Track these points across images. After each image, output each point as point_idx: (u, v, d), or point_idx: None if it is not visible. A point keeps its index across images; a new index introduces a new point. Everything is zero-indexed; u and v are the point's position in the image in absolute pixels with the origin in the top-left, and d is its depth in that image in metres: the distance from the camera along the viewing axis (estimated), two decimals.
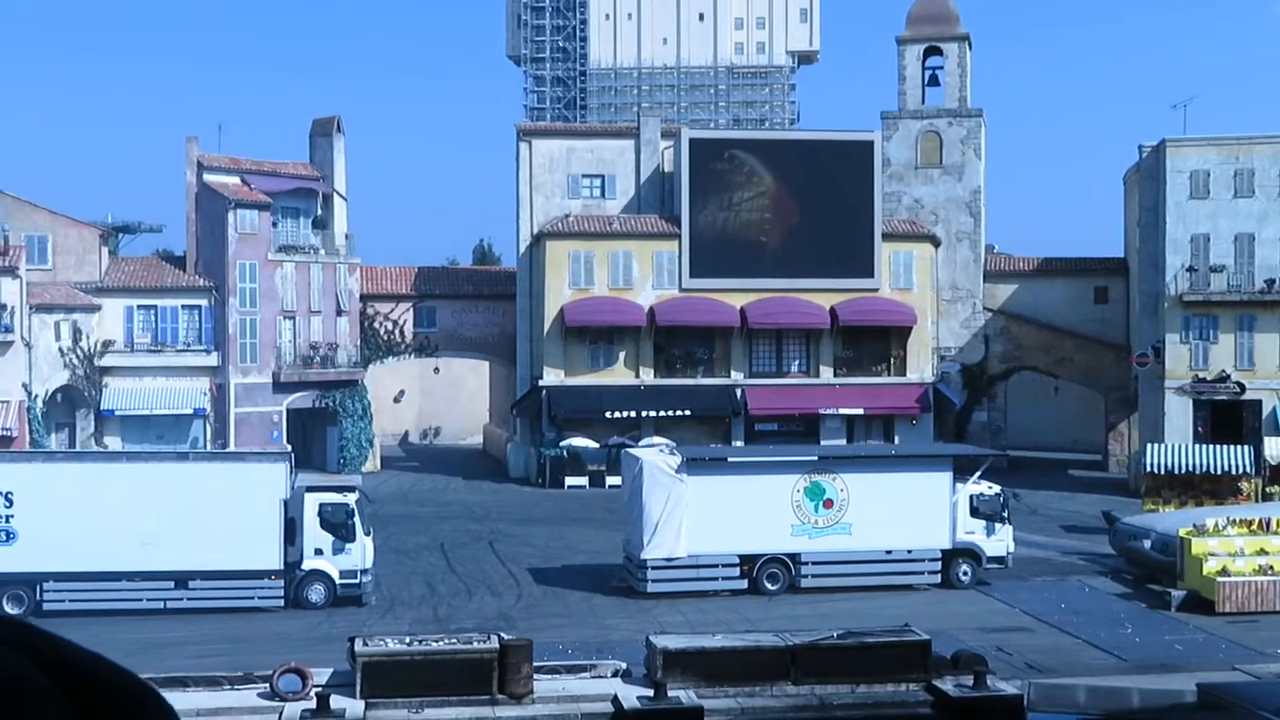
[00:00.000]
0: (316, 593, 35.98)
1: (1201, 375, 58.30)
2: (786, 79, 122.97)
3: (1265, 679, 27.26)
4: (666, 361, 63.83)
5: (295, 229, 66.16)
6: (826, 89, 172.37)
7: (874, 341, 64.83)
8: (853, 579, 37.92)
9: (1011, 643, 31.73)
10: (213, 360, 62.85)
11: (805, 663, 27.01)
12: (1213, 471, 51.68)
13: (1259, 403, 57.76)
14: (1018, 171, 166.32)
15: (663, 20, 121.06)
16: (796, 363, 64.83)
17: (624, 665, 27.70)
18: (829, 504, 37.96)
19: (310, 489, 37.31)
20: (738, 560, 37.61)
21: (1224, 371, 58.03)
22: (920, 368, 65.03)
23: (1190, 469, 51.69)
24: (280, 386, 64.02)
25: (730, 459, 41.38)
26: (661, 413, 62.20)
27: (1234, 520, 39.22)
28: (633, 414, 62.18)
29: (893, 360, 65.03)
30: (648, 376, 63.24)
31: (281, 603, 35.58)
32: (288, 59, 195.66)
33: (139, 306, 62.95)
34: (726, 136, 71.31)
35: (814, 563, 37.88)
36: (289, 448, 55.40)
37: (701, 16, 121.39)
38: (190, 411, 61.86)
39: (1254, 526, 38.62)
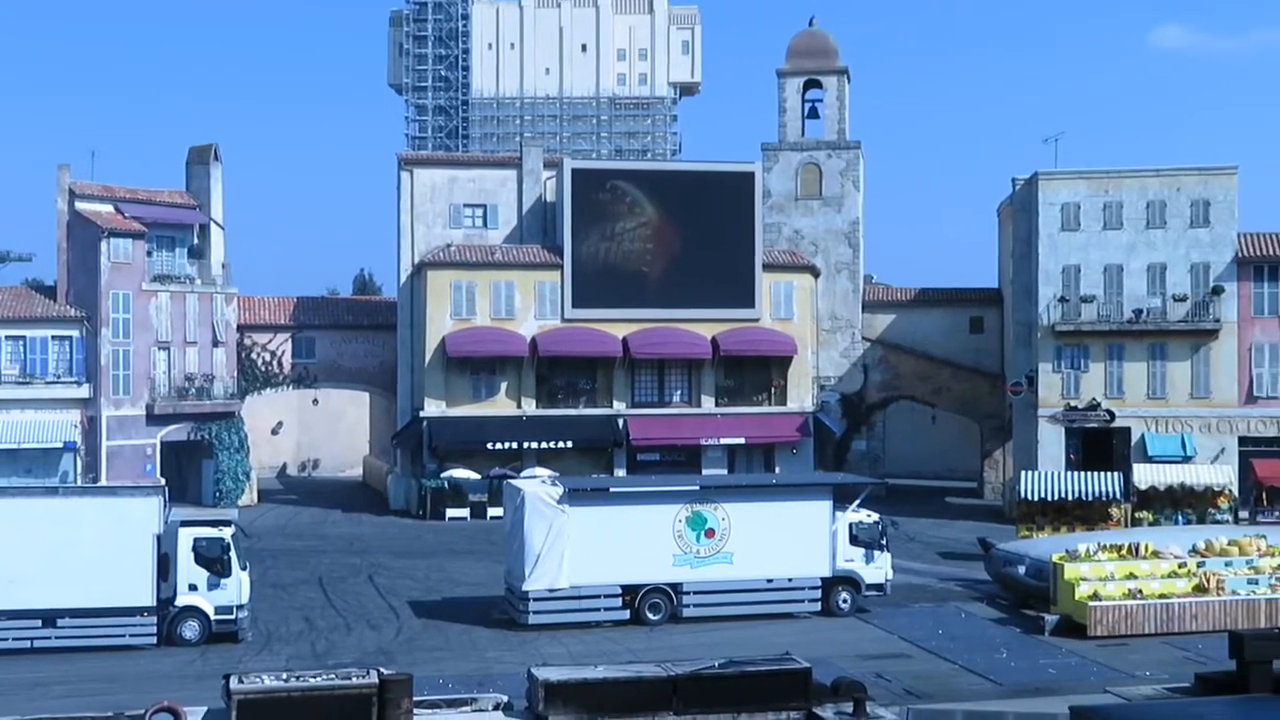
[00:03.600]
0: (191, 629, 35.29)
1: (1073, 404, 59.62)
2: (668, 110, 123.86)
3: (1135, 701, 27.80)
4: (549, 392, 63.76)
5: (171, 258, 65.09)
6: (708, 120, 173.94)
7: (755, 371, 65.38)
8: (734, 608, 38.09)
9: (890, 669, 32.08)
10: (84, 392, 61.50)
11: (687, 693, 26.98)
12: (1084, 498, 52.90)
13: (1128, 430, 59.21)
14: (896, 203, 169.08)
15: (545, 50, 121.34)
16: (678, 393, 65.14)
17: (505, 698, 27.42)
18: (710, 533, 38.12)
19: (185, 523, 36.58)
20: (620, 591, 37.61)
21: (1094, 400, 59.41)
22: (800, 397, 65.68)
23: (1063, 496, 52.85)
24: (154, 419, 62.82)
25: (612, 489, 41.40)
26: (544, 443, 62.09)
27: (1104, 545, 40.09)
28: (515, 445, 61.98)
29: (773, 390, 65.61)
30: (530, 407, 63.11)
31: (154, 640, 34.82)
32: (164, 85, 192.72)
33: (7, 337, 61.40)
34: (609, 167, 71.61)
35: (696, 592, 38.00)
36: (163, 481, 54.36)
37: (584, 47, 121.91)
38: (60, 445, 60.43)
39: (1124, 551, 39.51)
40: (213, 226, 66.88)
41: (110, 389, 61.58)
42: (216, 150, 68.17)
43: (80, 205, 62.75)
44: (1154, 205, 59.52)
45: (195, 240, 66.04)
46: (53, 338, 61.90)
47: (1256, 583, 38.07)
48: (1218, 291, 58.85)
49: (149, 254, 63.57)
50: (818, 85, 72.23)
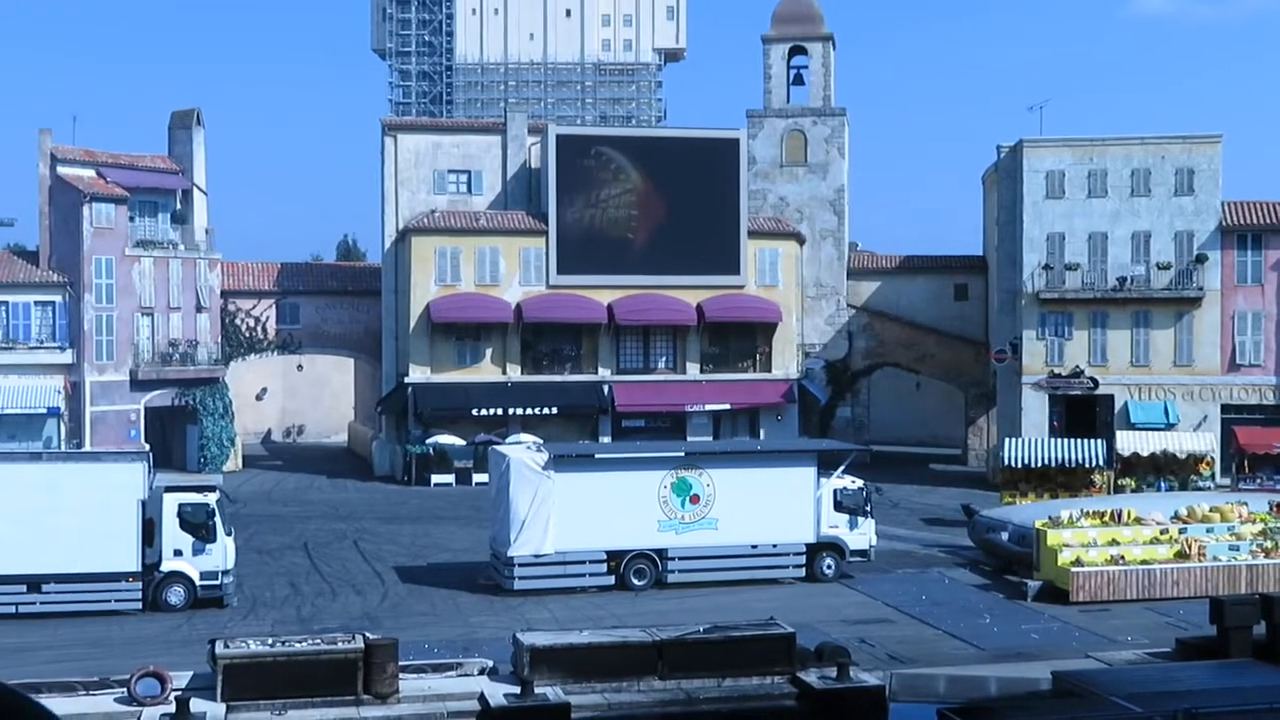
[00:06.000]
0: (176, 595, 35.28)
1: (1057, 371, 59.79)
2: (653, 76, 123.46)
3: (1117, 666, 28.02)
4: (534, 358, 63.72)
5: (153, 224, 64.81)
6: (693, 87, 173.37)
7: (740, 338, 65.40)
8: (719, 574, 38.19)
9: (874, 634, 32.23)
10: (67, 358, 61.31)
11: (672, 658, 27.15)
12: (1067, 465, 53.09)
13: (1111, 397, 59.41)
14: (881, 170, 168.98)
15: (530, 16, 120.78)
16: (663, 359, 65.15)
17: (490, 663, 27.59)
18: (695, 500, 38.18)
19: (169, 489, 36.55)
20: (605, 556, 37.67)
21: (1078, 367, 59.58)
22: (785, 364, 65.74)
23: (1046, 463, 53.04)
24: (138, 384, 62.68)
25: (597, 455, 41.40)
26: (529, 410, 62.09)
27: (1087, 512, 40.26)
28: (500, 411, 61.98)
29: (758, 357, 65.65)
30: (515, 373, 63.08)
31: (139, 605, 34.80)
32: (146, 49, 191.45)
33: None
34: (593, 133, 71.35)
35: (681, 558, 38.08)
36: (147, 447, 54.22)
37: (569, 13, 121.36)
38: (44, 410, 60.28)
39: (1106, 518, 39.68)
40: (195, 192, 66.58)
41: (94, 354, 61.38)
42: (199, 115, 67.80)
43: (62, 170, 62.41)
44: (1138, 173, 59.56)
45: (178, 205, 65.73)
46: (35, 303, 61.67)
47: (1238, 549, 38.28)
48: (1201, 260, 58.98)
49: (131, 219, 63.28)
50: (803, 52, 72.01)
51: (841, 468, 40.67)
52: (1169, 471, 55.84)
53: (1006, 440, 55.56)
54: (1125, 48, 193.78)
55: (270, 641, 26.77)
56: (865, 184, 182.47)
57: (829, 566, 39.33)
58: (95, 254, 61.46)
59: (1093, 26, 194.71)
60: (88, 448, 57.40)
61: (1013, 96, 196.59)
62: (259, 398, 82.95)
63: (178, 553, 35.31)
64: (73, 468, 37.07)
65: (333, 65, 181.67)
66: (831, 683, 26.71)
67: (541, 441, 49.07)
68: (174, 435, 65.67)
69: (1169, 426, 58.05)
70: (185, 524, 35.45)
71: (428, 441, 61.75)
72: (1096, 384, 59.40)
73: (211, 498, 36.20)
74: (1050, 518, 39.81)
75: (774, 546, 38.77)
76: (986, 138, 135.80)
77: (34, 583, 34.17)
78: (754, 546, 38.55)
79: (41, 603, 34.20)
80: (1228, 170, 60.58)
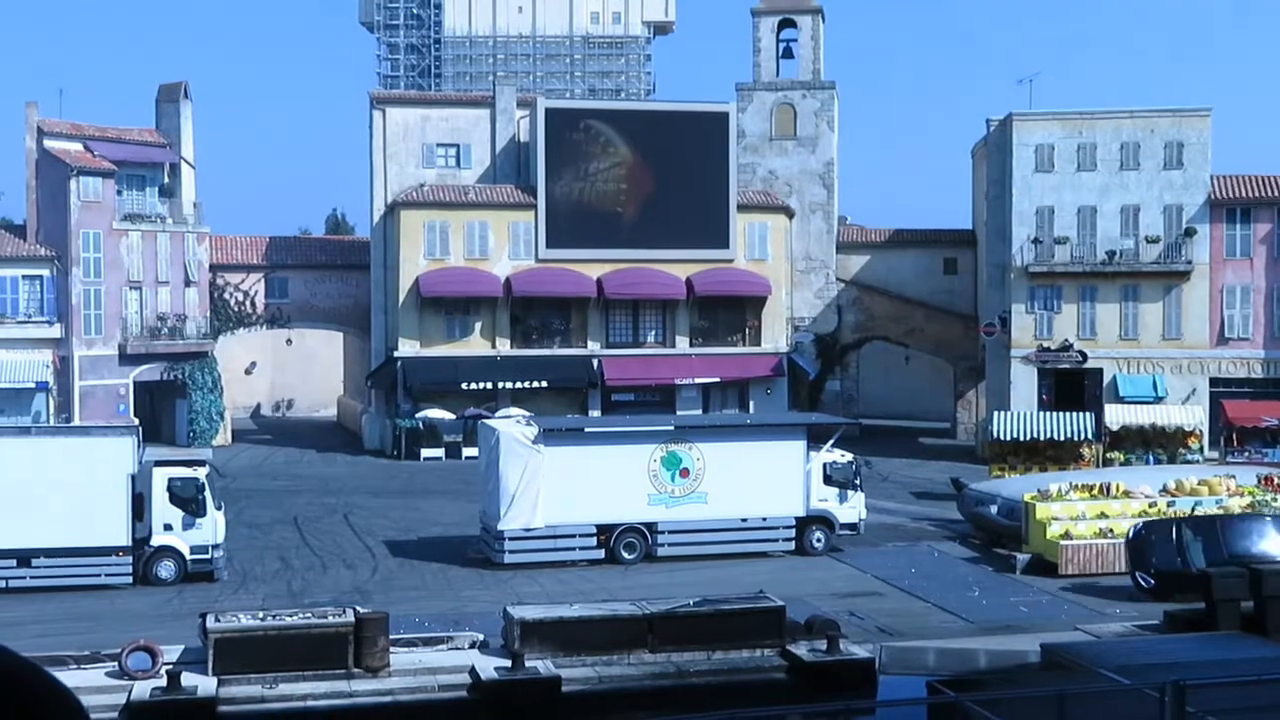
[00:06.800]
0: (166, 569, 35.28)
1: (1046, 345, 59.87)
2: (642, 49, 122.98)
3: (1105, 639, 28.16)
4: (523, 332, 63.66)
5: (141, 197, 64.53)
6: (682, 60, 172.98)
7: (729, 312, 65.37)
8: (708, 547, 38.28)
9: (863, 607, 32.33)
10: (56, 332, 61.11)
11: (662, 631, 27.23)
12: (1056, 438, 53.16)
13: (1100, 371, 59.52)
14: (870, 144, 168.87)
15: None
16: (653, 333, 65.14)
17: (481, 637, 27.65)
18: (685, 473, 38.24)
19: (159, 463, 36.53)
20: (595, 530, 37.72)
21: (1067, 341, 59.67)
22: (775, 338, 65.76)
23: (1035, 436, 53.12)
24: (127, 359, 62.53)
25: (587, 429, 41.44)
26: (518, 384, 62.06)
27: (1076, 485, 40.37)
28: (489, 385, 61.94)
29: (748, 330, 65.65)
30: (504, 347, 63.03)
31: (130, 579, 34.82)
32: (133, 22, 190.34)
33: None
34: (582, 107, 71.18)
35: (670, 531, 38.14)
36: (136, 421, 54.16)
37: None
38: (32, 385, 60.11)
39: (1095, 491, 39.81)
40: (183, 165, 66.31)
41: (82, 329, 61.21)
42: (186, 88, 67.49)
43: (49, 143, 62.09)
44: (1128, 147, 59.55)
45: (166, 179, 65.45)
46: (23, 277, 61.43)
47: None
48: (1190, 233, 59.03)
49: (119, 193, 63.02)
50: (792, 25, 71.84)
51: (831, 441, 40.71)
52: (1157, 445, 55.99)
53: (995, 414, 55.64)
54: (1115, 21, 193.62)
55: (261, 615, 26.80)
56: (855, 158, 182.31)
57: (818, 540, 39.42)
58: (83, 228, 61.23)
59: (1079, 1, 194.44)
60: (77, 422, 57.26)
61: (1002, 70, 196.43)
62: (248, 372, 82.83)
63: (168, 527, 35.30)
64: (62, 442, 37.06)
65: (320, 38, 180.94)
66: (821, 655, 26.82)
67: (531, 415, 49.07)
68: (163, 410, 65.56)
69: (1157, 400, 58.20)
70: (175, 498, 35.43)
71: (417, 416, 61.71)
72: (1085, 357, 59.50)
73: (201, 472, 36.19)
74: (1039, 491, 39.93)
75: (763, 520, 38.85)
76: (976, 111, 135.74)
77: (24, 557, 34.16)
78: (744, 520, 38.62)
79: (31, 577, 34.20)
80: (1217, 144, 60.53)
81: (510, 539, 37.11)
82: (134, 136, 65.26)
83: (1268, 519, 34.81)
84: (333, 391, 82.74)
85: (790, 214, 68.05)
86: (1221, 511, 37.46)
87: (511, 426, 39.05)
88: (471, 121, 66.43)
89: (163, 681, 24.38)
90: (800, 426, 41.23)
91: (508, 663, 25.84)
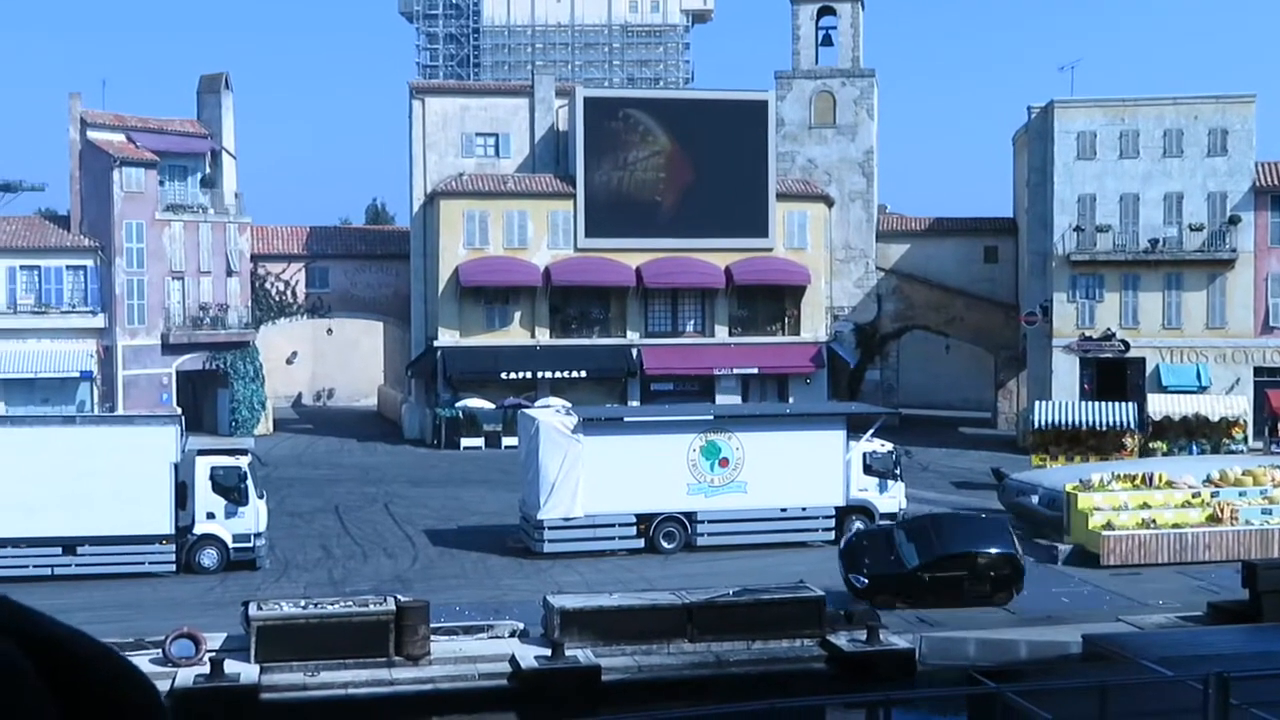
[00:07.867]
0: (209, 557, 35.54)
1: (1088, 334, 59.46)
2: (681, 38, 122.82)
3: (1147, 629, 27.98)
4: (562, 322, 63.73)
5: (183, 188, 64.95)
6: (720, 48, 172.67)
7: (769, 301, 65.22)
8: (748, 537, 38.21)
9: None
10: (99, 322, 61.62)
11: (702, 620, 27.24)
12: (1098, 428, 52.86)
13: (1143, 360, 59.06)
14: (910, 132, 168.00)
15: None
16: (692, 322, 65.06)
17: (521, 625, 27.74)
18: (724, 463, 38.20)
19: (201, 452, 36.80)
20: (634, 519, 37.73)
21: (1109, 330, 59.24)
22: (814, 327, 65.57)
23: (1076, 425, 52.82)
24: (169, 348, 62.98)
25: (626, 419, 41.43)
26: (557, 373, 62.13)
27: (1118, 475, 40.12)
28: (529, 374, 62.04)
29: (787, 320, 65.49)
30: (543, 337, 63.12)
31: (173, 568, 35.09)
32: (175, 14, 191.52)
33: (21, 267, 61.51)
34: (621, 95, 71.05)
35: (710, 521, 38.12)
36: (179, 410, 54.49)
37: None
38: (77, 374, 60.66)
39: (1137, 481, 39.54)
40: (224, 156, 66.66)
41: (125, 318, 61.68)
42: (227, 79, 67.81)
43: (92, 134, 62.56)
44: (1171, 134, 59.02)
45: (207, 170, 65.82)
46: (67, 268, 61.96)
47: (1270, 513, 38.06)
48: (1234, 221, 58.47)
49: (161, 183, 63.45)
50: (831, 12, 71.48)
51: (870, 431, 40.57)
52: (1201, 435, 55.53)
53: (1036, 403, 55.35)
54: (1157, 6, 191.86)
55: (303, 604, 26.97)
56: (894, 146, 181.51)
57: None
58: (125, 218, 61.68)
59: None
60: (120, 411, 57.72)
61: (1043, 56, 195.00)
62: (289, 361, 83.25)
63: (210, 515, 35.56)
64: (106, 431, 37.42)
65: (360, 28, 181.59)
66: (861, 645, 26.77)
67: (570, 405, 49.12)
68: (205, 399, 65.99)
69: (1201, 389, 57.70)
70: (218, 487, 35.68)
71: (457, 405, 61.87)
72: (1128, 347, 59.06)
73: (243, 461, 36.43)
74: (1081, 481, 39.69)
75: (803, 510, 38.74)
76: (1017, 98, 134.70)
77: (69, 545, 34.50)
78: (783, 510, 38.54)
79: (76, 565, 34.53)
80: (1261, 130, 60.03)
81: (550, 528, 37.17)
82: (176, 127, 65.66)
83: (982, 517, 34.99)
84: (373, 381, 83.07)
85: (830, 202, 67.81)
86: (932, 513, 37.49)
87: (551, 416, 39.10)
88: (510, 111, 66.49)
89: (206, 669, 24.59)
90: (840, 416, 41.11)
91: (548, 651, 25.92)
